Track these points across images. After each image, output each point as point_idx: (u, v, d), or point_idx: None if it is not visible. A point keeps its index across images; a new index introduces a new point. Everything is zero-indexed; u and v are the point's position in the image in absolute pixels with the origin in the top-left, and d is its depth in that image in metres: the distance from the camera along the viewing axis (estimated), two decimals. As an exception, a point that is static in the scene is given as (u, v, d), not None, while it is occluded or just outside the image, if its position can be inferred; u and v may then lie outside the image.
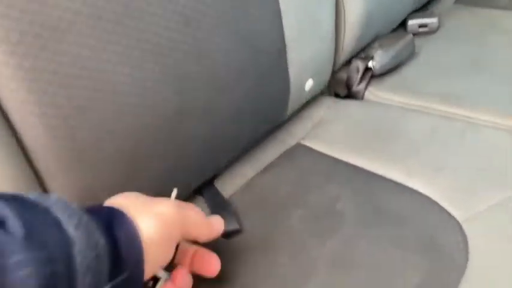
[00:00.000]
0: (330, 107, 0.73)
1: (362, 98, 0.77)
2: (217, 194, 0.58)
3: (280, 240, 0.51)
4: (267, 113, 0.63)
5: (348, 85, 0.78)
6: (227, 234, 0.52)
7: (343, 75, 0.80)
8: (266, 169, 0.63)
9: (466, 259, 0.47)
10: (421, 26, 0.89)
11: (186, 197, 0.57)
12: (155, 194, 0.48)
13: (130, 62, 0.41)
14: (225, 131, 0.56)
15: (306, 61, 0.64)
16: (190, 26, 0.45)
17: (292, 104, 0.66)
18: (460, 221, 0.51)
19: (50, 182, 0.40)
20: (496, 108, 0.67)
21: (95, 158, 0.41)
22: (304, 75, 0.65)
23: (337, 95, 0.82)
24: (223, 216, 0.53)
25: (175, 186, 0.52)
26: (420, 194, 0.54)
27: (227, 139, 0.57)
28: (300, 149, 0.66)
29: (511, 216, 0.50)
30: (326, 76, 0.72)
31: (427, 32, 0.89)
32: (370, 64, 0.75)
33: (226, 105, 0.54)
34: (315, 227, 0.52)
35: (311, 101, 0.74)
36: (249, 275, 0.48)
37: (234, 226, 0.53)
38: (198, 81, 0.49)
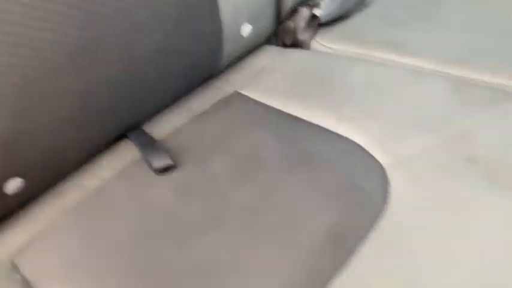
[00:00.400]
0: (273, 56, 0.70)
1: (308, 47, 0.74)
2: (144, 134, 0.56)
3: (197, 186, 0.49)
4: (198, 58, 0.60)
5: (294, 34, 0.75)
6: (162, 170, 0.50)
7: (290, 24, 0.76)
8: (198, 117, 0.60)
9: (385, 204, 0.45)
10: (377, -25, 0.86)
11: (109, 141, 0.55)
12: (62, 137, 0.45)
13: (16, -12, 0.38)
14: (147, 75, 0.53)
15: (240, 2, 0.61)
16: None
17: (229, 50, 0.63)
18: (383, 166, 0.49)
19: None
20: (439, 56, 0.64)
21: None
22: (239, 19, 0.62)
23: (285, 45, 0.79)
24: (153, 154, 0.51)
25: (86, 130, 0.50)
26: (346, 139, 0.52)
27: (151, 84, 0.54)
28: (236, 98, 0.63)
29: (435, 164, 0.49)
30: (267, 22, 0.69)
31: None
32: (317, 11, 0.72)
33: (145, 46, 0.51)
34: (236, 174, 0.50)
35: (254, 50, 0.71)
36: (158, 222, 0.46)
37: (167, 161, 0.51)
38: (107, 16, 0.45)
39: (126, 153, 0.54)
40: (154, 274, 0.41)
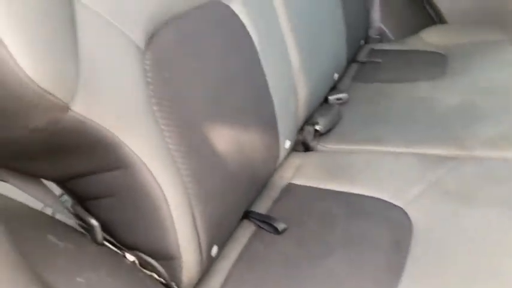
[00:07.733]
0: (301, 157, 1.08)
1: (316, 150, 1.13)
2: (256, 212, 0.88)
3: (308, 236, 0.82)
4: (263, 173, 0.95)
5: (304, 143, 1.14)
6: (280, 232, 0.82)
7: (299, 136, 1.16)
8: (281, 197, 0.94)
9: (412, 229, 0.82)
10: (338, 99, 1.31)
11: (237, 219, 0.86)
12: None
13: None
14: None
15: (285, 128, 0.99)
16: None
17: (280, 160, 1.00)
18: (401, 206, 0.86)
19: None
20: (404, 142, 1.07)
21: None
22: (284, 138, 1.00)
23: (297, 151, 1.17)
24: (274, 222, 0.82)
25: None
26: (373, 197, 0.89)
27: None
28: (292, 186, 0.98)
29: (430, 198, 0.87)
30: (294, 137, 1.08)
31: (342, 103, 1.31)
32: (317, 127, 1.13)
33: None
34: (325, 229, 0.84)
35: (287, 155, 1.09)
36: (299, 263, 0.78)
37: (283, 225, 0.83)
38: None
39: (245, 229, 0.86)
40: None
